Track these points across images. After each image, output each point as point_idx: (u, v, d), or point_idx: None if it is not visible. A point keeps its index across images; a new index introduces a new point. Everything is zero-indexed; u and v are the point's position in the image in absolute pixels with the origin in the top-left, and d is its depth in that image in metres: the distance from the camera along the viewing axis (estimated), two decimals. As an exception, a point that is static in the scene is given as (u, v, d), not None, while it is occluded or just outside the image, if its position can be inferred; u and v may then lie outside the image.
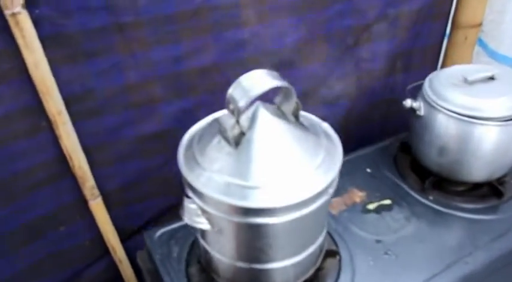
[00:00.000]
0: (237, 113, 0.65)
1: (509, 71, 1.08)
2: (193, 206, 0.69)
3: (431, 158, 1.02)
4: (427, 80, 1.03)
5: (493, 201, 1.02)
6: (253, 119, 0.69)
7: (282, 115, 0.73)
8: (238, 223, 0.68)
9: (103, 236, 1.10)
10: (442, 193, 1.04)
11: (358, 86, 1.25)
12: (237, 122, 0.66)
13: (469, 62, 1.32)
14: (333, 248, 0.90)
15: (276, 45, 1.08)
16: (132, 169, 1.08)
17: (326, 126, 0.79)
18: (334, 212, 0.99)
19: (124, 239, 1.14)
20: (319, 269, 0.85)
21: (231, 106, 0.66)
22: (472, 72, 0.99)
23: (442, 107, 0.95)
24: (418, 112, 1.00)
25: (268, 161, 0.67)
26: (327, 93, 1.22)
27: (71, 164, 0.97)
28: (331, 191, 0.71)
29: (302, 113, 0.76)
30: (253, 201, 0.65)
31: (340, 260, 0.89)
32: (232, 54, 1.03)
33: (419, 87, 1.04)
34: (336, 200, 1.01)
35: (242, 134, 0.68)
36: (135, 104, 0.99)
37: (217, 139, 0.70)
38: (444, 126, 0.96)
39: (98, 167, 1.02)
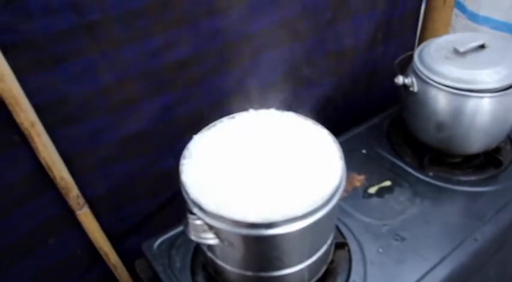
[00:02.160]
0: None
1: (498, 37, 1.05)
2: (199, 222, 0.64)
3: (429, 133, 0.99)
4: (416, 53, 0.99)
5: (493, 171, 1.01)
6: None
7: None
8: (250, 236, 0.63)
9: (94, 244, 1.04)
10: (441, 168, 1.02)
11: (340, 61, 1.20)
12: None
13: (449, 25, 1.29)
14: (341, 239, 0.87)
15: (254, 28, 1.01)
16: (117, 173, 1.02)
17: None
18: (335, 200, 0.95)
19: (116, 243, 1.09)
20: (330, 263, 0.82)
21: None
22: (462, 42, 0.95)
23: (436, 82, 0.92)
24: (411, 88, 0.96)
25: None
26: (310, 71, 1.17)
27: (51, 175, 0.90)
28: (341, 189, 0.67)
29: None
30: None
31: (349, 251, 0.86)
32: (209, 43, 0.97)
33: (407, 60, 1.01)
34: (335, 187, 0.98)
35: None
36: (114, 105, 0.93)
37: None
38: (440, 101, 0.93)
39: (81, 175, 0.96)
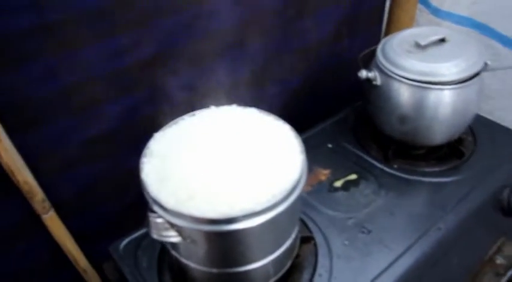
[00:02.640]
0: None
1: (459, 31, 1.07)
2: (160, 220, 0.64)
3: (393, 126, 1.00)
4: (379, 48, 1.00)
5: (455, 162, 1.03)
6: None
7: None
8: (211, 232, 0.63)
9: (62, 249, 1.03)
10: (405, 160, 1.04)
11: (307, 57, 1.21)
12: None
13: (413, 20, 1.31)
14: (307, 233, 0.88)
15: (218, 26, 1.01)
16: (83, 175, 1.01)
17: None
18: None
19: (86, 247, 1.07)
20: (295, 257, 0.82)
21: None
22: (423, 35, 0.97)
23: (398, 75, 0.93)
24: (374, 82, 0.97)
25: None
26: (277, 69, 1.18)
27: (14, 180, 0.88)
28: (301, 184, 0.68)
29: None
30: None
31: (315, 245, 0.87)
32: (173, 42, 0.96)
33: (371, 55, 1.02)
34: (301, 182, 0.98)
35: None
36: (77, 107, 0.91)
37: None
38: (402, 94, 0.94)
39: (46, 178, 0.94)
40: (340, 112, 1.17)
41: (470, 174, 1.01)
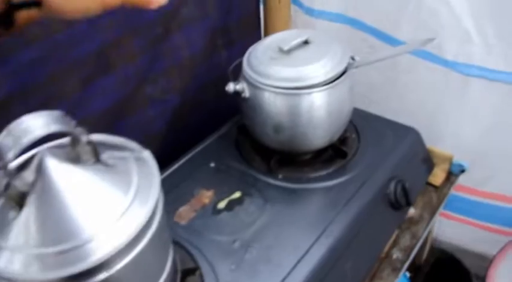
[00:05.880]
0: (8, 171, 0.53)
1: (321, 31, 1.05)
2: None
3: (269, 137, 0.97)
4: (245, 58, 0.97)
5: (340, 162, 1.01)
6: (39, 171, 0.57)
7: (77, 159, 0.61)
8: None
9: None
10: (290, 168, 1.00)
11: (182, 74, 1.16)
12: (8, 181, 0.54)
13: (288, 23, 1.29)
14: (191, 264, 0.82)
15: (80, 52, 0.94)
16: None
17: (146, 154, 0.68)
18: (183, 222, 0.90)
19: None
20: (180, 293, 0.77)
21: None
22: (287, 40, 0.94)
23: (265, 84, 0.90)
24: (243, 95, 0.93)
25: (69, 217, 0.56)
26: (151, 90, 1.12)
27: None
28: (155, 223, 0.62)
29: (117, 141, 0.67)
30: (76, 265, 0.54)
31: (201, 275, 0.81)
32: (28, 77, 0.88)
33: (241, 66, 0.98)
34: (183, 208, 0.93)
35: (23, 194, 0.55)
36: None
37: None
38: (273, 104, 0.91)
39: None
40: (222, 127, 1.13)
41: (357, 172, 0.99)
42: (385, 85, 1.27)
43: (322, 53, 0.92)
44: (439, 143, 1.19)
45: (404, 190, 0.98)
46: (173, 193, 0.96)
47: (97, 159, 0.62)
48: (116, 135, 1.07)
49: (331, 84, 0.91)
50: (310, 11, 1.29)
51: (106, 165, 0.63)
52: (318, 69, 0.90)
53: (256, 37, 1.32)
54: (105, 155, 0.64)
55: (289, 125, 0.93)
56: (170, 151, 1.09)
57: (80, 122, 0.97)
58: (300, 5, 1.30)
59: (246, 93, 0.93)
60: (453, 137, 1.21)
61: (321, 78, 0.90)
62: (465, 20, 1.08)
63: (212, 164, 1.03)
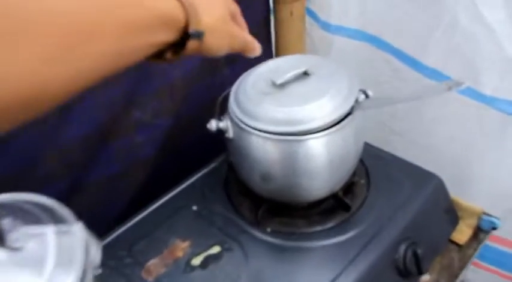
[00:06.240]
0: None
1: (323, 59, 0.88)
2: None
3: (257, 184, 0.82)
4: (233, 89, 0.82)
5: (342, 216, 0.85)
6: None
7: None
8: None
9: None
10: (282, 220, 0.85)
11: (175, 96, 1.02)
12: None
13: (302, 37, 1.13)
14: None
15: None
16: None
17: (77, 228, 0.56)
18: (150, 279, 0.78)
19: None
20: None
21: None
22: (283, 69, 0.79)
23: (252, 127, 0.75)
24: (226, 135, 0.79)
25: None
26: (140, 114, 0.99)
27: None
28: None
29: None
30: None
31: None
32: None
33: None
34: (154, 262, 0.80)
35: None
36: None
37: None
38: (261, 150, 0.76)
39: None
40: (214, 160, 0.99)
41: (361, 229, 0.83)
42: (410, 115, 1.09)
43: (324, 89, 0.77)
44: (467, 188, 1.01)
45: (416, 256, 0.82)
46: (146, 241, 0.84)
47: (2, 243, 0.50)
48: (99, 162, 0.97)
49: (332, 129, 0.75)
50: (326, 26, 1.12)
51: (12, 250, 0.50)
52: (317, 111, 0.74)
53: (266, 53, 1.17)
54: (14, 235, 0.51)
55: (280, 174, 0.78)
56: (161, 180, 0.97)
57: (60, 150, 0.88)
58: (316, 19, 1.14)
59: (230, 134, 0.79)
60: (486, 183, 1.03)
61: (320, 121, 0.74)
62: (508, 46, 0.88)
63: (194, 207, 0.89)
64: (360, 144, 0.84)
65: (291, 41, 1.13)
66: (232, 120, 0.78)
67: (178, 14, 0.46)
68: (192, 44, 0.49)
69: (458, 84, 0.71)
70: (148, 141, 1.04)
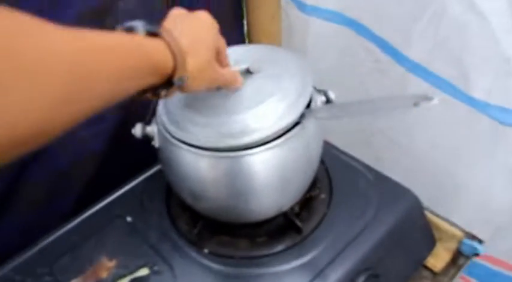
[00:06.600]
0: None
1: (276, 50, 0.73)
2: None
3: (188, 201, 0.71)
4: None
5: (293, 238, 0.74)
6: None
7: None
8: None
9: None
10: (222, 240, 0.74)
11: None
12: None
13: (276, 18, 0.99)
14: None
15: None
16: None
17: None
18: (65, 306, 0.69)
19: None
20: None
21: None
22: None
23: (179, 140, 0.63)
24: (152, 143, 0.67)
25: None
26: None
27: None
28: None
29: None
30: None
31: None
32: None
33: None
34: (75, 282, 0.71)
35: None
36: None
37: None
38: (192, 166, 0.64)
39: None
40: (156, 163, 0.87)
41: (315, 255, 0.71)
42: (393, 116, 0.95)
43: (268, 92, 0.63)
44: (450, 201, 0.88)
45: (377, 290, 0.70)
46: (70, 257, 0.75)
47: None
48: (41, 158, 0.87)
49: (277, 141, 0.63)
50: (302, 6, 0.97)
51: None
52: (258, 120, 0.62)
53: (236, 35, 1.03)
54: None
55: (215, 195, 0.67)
56: (108, 179, 0.87)
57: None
58: (292, -3, 0.98)
59: (156, 143, 0.67)
60: (472, 196, 0.89)
61: (262, 133, 0.61)
62: (504, 40, 0.73)
63: (129, 219, 0.79)
64: (316, 154, 0.71)
65: (263, 22, 0.99)
66: (159, 129, 0.66)
67: (168, 62, 0.48)
68: (174, 88, 0.51)
69: (427, 99, 0.57)
70: (94, 137, 0.93)
